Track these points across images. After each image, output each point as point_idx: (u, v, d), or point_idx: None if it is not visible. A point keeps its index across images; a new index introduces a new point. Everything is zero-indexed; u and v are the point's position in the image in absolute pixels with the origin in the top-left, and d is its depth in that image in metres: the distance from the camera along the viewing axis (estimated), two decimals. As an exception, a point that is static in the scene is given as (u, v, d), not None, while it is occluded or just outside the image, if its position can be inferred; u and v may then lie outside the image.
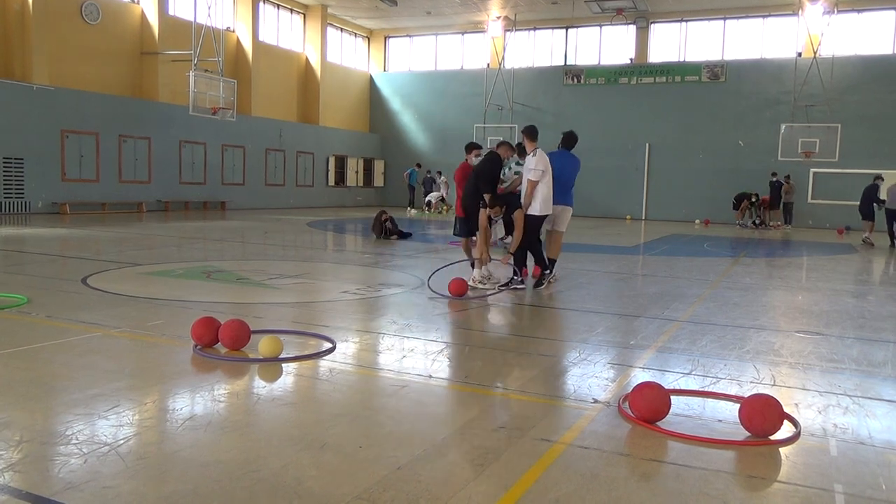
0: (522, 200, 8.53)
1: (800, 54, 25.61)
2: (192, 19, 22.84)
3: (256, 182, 26.58)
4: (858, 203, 18.60)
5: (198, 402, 3.94)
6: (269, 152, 27.16)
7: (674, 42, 28.27)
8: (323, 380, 4.45)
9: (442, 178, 28.38)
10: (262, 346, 4.79)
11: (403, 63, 33.06)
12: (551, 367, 4.98)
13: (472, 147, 9.82)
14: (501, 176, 8.96)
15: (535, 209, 8.49)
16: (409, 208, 27.46)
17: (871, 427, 3.84)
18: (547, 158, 8.55)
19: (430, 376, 4.55)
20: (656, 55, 28.45)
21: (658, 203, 27.78)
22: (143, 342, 5.27)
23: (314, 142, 29.33)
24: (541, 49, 30.32)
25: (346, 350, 5.19)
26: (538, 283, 8.75)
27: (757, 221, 24.65)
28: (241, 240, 14.35)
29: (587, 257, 12.74)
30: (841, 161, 23.88)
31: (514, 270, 8.55)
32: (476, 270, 8.57)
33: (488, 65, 30.47)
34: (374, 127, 33.30)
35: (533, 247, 8.70)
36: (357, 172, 31.93)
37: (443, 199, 27.88)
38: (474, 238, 9.11)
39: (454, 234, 9.80)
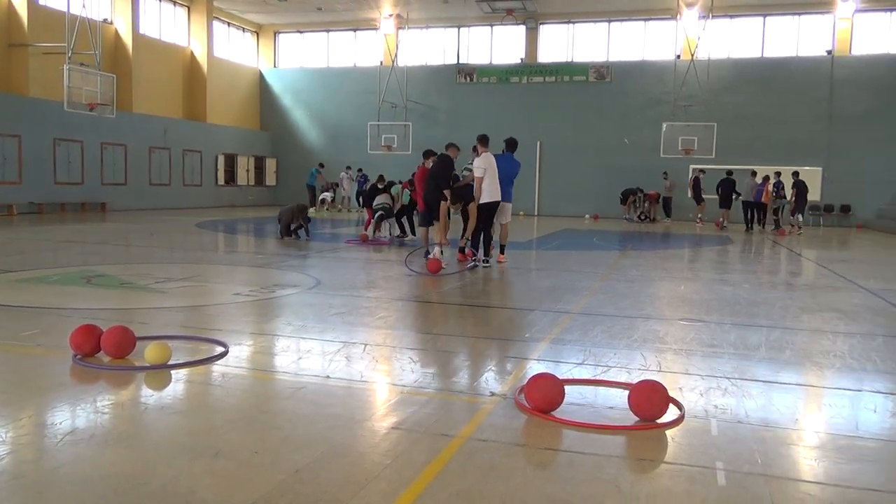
0: (475, 194, 10.46)
1: (678, 57, 26.95)
2: (65, 9, 21.56)
3: (140, 182, 25.45)
4: (717, 196, 22.23)
5: (79, 414, 3.74)
6: (154, 150, 26.05)
7: (562, 43, 29.11)
8: (215, 385, 4.33)
9: (345, 173, 28.03)
10: (149, 352, 4.60)
11: (294, 59, 32.47)
12: (449, 362, 5.03)
13: (429, 154, 11.88)
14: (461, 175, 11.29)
15: (483, 198, 10.43)
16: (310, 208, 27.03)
17: (747, 407, 4.09)
18: (491, 158, 10.44)
19: (328, 377, 4.51)
20: (546, 55, 29.21)
21: (550, 199, 28.55)
22: (17, 354, 4.95)
23: (202, 139, 28.38)
24: (433, 47, 30.52)
25: (239, 354, 5.07)
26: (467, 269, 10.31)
27: (643, 216, 25.77)
28: (125, 242, 13.80)
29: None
30: (718, 157, 25.25)
31: (474, 252, 10.63)
32: (437, 249, 10.64)
33: (381, 62, 30.38)
34: (265, 124, 32.55)
35: (485, 232, 10.67)
36: (248, 171, 31.14)
37: (333, 200, 27.60)
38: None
39: (417, 225, 11.93)
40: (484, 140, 10.50)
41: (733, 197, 22.26)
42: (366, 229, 14.97)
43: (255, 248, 14.12)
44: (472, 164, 10.87)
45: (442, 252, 10.69)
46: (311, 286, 8.35)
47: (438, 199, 10.91)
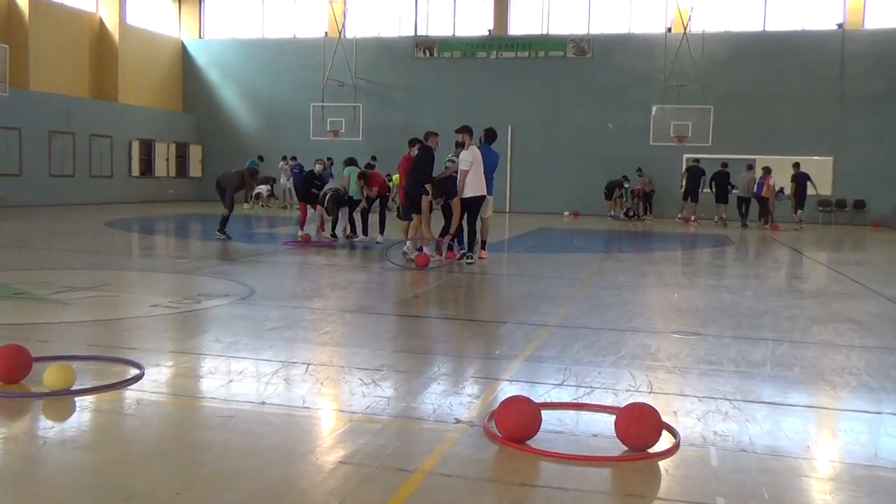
0: (458, 188, 11.39)
1: (669, 30, 27.37)
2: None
3: (38, 172, 24.95)
4: (713, 189, 23.49)
5: (-38, 450, 3.64)
6: (55, 135, 25.57)
7: (536, 13, 29.31)
8: (129, 414, 4.27)
9: (284, 164, 27.79)
10: (49, 376, 4.51)
11: (223, 29, 32.16)
12: (407, 384, 5.02)
13: (414, 141, 12.39)
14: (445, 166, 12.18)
15: (467, 192, 11.40)
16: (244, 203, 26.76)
17: (751, 432, 4.15)
18: (478, 152, 11.47)
19: (264, 402, 4.47)
20: (518, 27, 29.40)
21: (523, 194, 28.71)
22: None
23: (113, 123, 27.95)
24: (387, 17, 30.49)
25: (157, 377, 5.00)
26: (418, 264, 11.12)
27: (630, 213, 26.05)
28: (18, 244, 13.59)
29: (445, 257, 12.97)
30: (714, 146, 25.70)
31: (456, 247, 11.72)
32: (408, 244, 11.76)
33: (326, 33, 30.28)
34: (188, 105, 32.20)
35: (469, 228, 11.70)
36: (168, 160, 30.76)
37: (272, 193, 27.36)
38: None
39: (398, 217, 12.80)
40: (469, 130, 11.55)
41: (728, 190, 23.14)
42: (302, 228, 14.90)
43: (176, 251, 13.95)
44: (455, 156, 11.88)
45: (426, 247, 11.76)
46: (244, 296, 8.29)
47: (419, 192, 11.63)
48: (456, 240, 11.83)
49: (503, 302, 8.60)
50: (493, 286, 9.99)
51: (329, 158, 16.86)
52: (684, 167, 25.30)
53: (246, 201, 25.98)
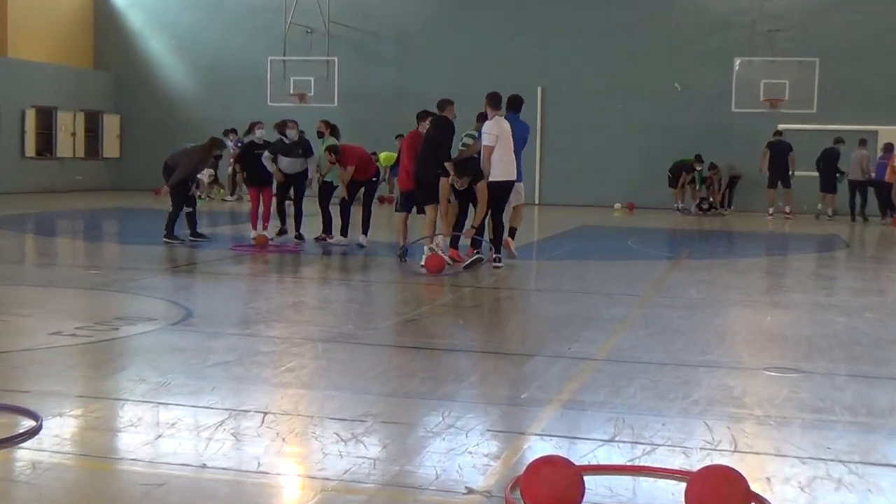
0: (482, 168, 11.93)
1: (759, -46, 27.28)
2: None
3: None
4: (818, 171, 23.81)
5: None
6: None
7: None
8: (19, 481, 4.27)
9: (229, 141, 27.73)
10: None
11: (150, -43, 32.29)
12: (400, 440, 5.00)
13: (425, 115, 12.85)
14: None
15: (494, 175, 11.87)
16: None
17: (874, 506, 4.13)
18: (505, 124, 12.10)
19: (205, 466, 4.46)
20: (551, -49, 29.37)
21: (558, 180, 28.55)
22: None
23: (-1, 85, 28.06)
24: (373, -62, 30.55)
25: (59, 430, 5.00)
26: (468, 267, 11.90)
27: (705, 205, 25.87)
28: None
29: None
30: (820, 113, 25.60)
31: (490, 248, 12.22)
32: (438, 239, 12.27)
33: (289, -38, 30.35)
34: (101, 61, 32.21)
35: (495, 221, 12.21)
36: (74, 135, 30.78)
37: (215, 180, 27.29)
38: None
39: (395, 210, 13.52)
40: (496, 100, 12.23)
41: (838, 178, 23.27)
42: (255, 226, 14.90)
43: (87, 259, 13.94)
44: (473, 132, 12.57)
45: (439, 246, 12.20)
46: (178, 320, 8.27)
47: (435, 175, 12.10)
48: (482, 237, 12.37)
49: (533, 326, 8.56)
50: (519, 305, 9.93)
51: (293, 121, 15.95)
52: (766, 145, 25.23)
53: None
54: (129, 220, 20.95)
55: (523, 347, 7.68)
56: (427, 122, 12.76)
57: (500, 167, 11.91)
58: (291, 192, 15.54)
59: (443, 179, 12.10)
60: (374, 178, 15.50)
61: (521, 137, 12.71)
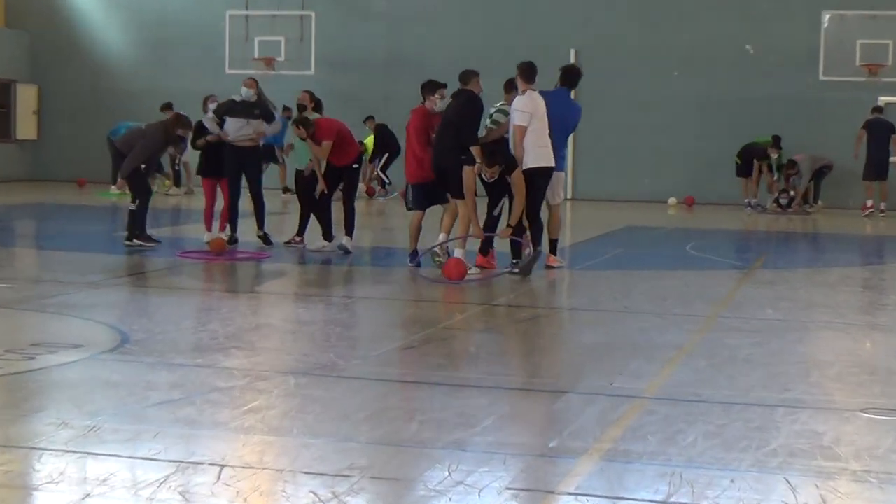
0: (513, 153, 12.33)
1: None
2: None
3: None
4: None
5: None
6: None
7: None
8: None
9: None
10: None
11: None
12: (394, 500, 5.03)
13: (434, 87, 13.13)
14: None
15: (529, 162, 12.25)
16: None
17: None
18: (540, 100, 12.41)
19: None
20: None
21: (596, 168, 28.74)
22: None
23: None
24: None
25: (-45, 490, 4.97)
26: (524, 270, 12.37)
27: (783, 199, 25.72)
28: None
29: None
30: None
31: (529, 246, 12.55)
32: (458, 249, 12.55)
33: None
34: (13, 18, 32.38)
35: (532, 217, 12.55)
36: (-23, 111, 31.07)
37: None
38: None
39: (408, 208, 13.64)
40: (530, 72, 12.62)
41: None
42: (209, 228, 14.90)
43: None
44: (505, 105, 12.98)
45: (460, 248, 12.60)
46: (111, 346, 8.34)
47: (458, 162, 12.28)
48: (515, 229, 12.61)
49: (565, 355, 8.55)
50: (547, 327, 9.92)
51: (253, 79, 15.62)
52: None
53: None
54: (49, 219, 21.04)
55: (552, 382, 7.68)
56: (437, 96, 12.95)
57: (535, 151, 12.19)
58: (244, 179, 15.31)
59: (466, 169, 12.23)
60: (356, 165, 15.43)
61: (571, 120, 13.11)
